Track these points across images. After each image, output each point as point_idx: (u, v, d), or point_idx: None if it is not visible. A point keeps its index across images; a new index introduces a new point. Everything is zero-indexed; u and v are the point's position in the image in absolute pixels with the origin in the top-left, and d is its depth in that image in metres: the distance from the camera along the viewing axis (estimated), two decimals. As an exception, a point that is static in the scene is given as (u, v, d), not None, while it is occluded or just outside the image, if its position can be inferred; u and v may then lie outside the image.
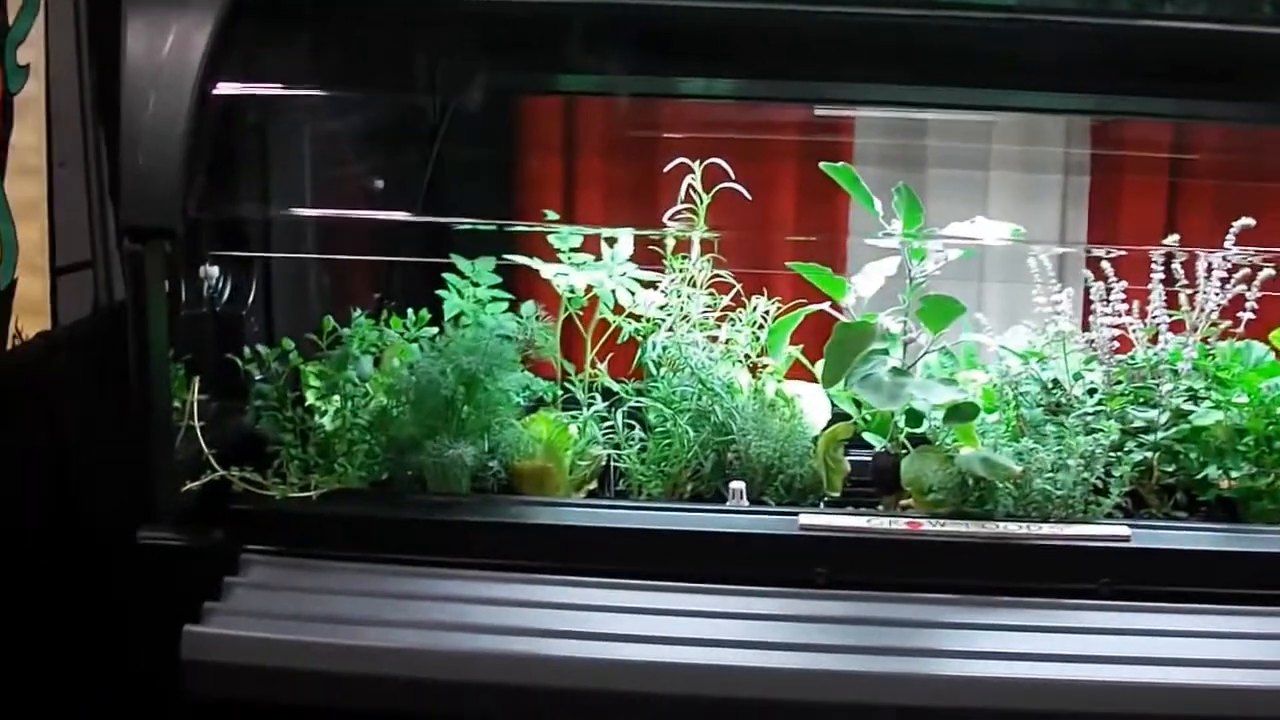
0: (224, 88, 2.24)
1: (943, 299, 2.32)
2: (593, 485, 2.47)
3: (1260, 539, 2.27)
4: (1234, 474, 2.36)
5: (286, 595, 2.17)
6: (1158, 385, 2.42)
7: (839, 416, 2.48)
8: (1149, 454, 2.40)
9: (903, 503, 2.38)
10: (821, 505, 2.38)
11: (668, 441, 2.41)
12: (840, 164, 2.37)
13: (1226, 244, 2.38)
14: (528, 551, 2.24)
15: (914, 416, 2.37)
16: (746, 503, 2.34)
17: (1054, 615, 2.14)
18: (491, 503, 2.33)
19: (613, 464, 2.49)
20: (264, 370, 2.39)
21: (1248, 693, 2.00)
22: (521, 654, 2.04)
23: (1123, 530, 2.24)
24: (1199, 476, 2.39)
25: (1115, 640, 2.09)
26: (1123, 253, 2.50)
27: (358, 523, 2.29)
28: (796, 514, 2.25)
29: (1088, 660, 2.04)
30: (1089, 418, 2.37)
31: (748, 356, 2.52)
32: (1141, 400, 2.44)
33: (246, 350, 2.41)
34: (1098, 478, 2.31)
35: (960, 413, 2.30)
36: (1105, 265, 2.45)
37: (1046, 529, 2.23)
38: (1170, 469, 2.42)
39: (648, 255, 2.55)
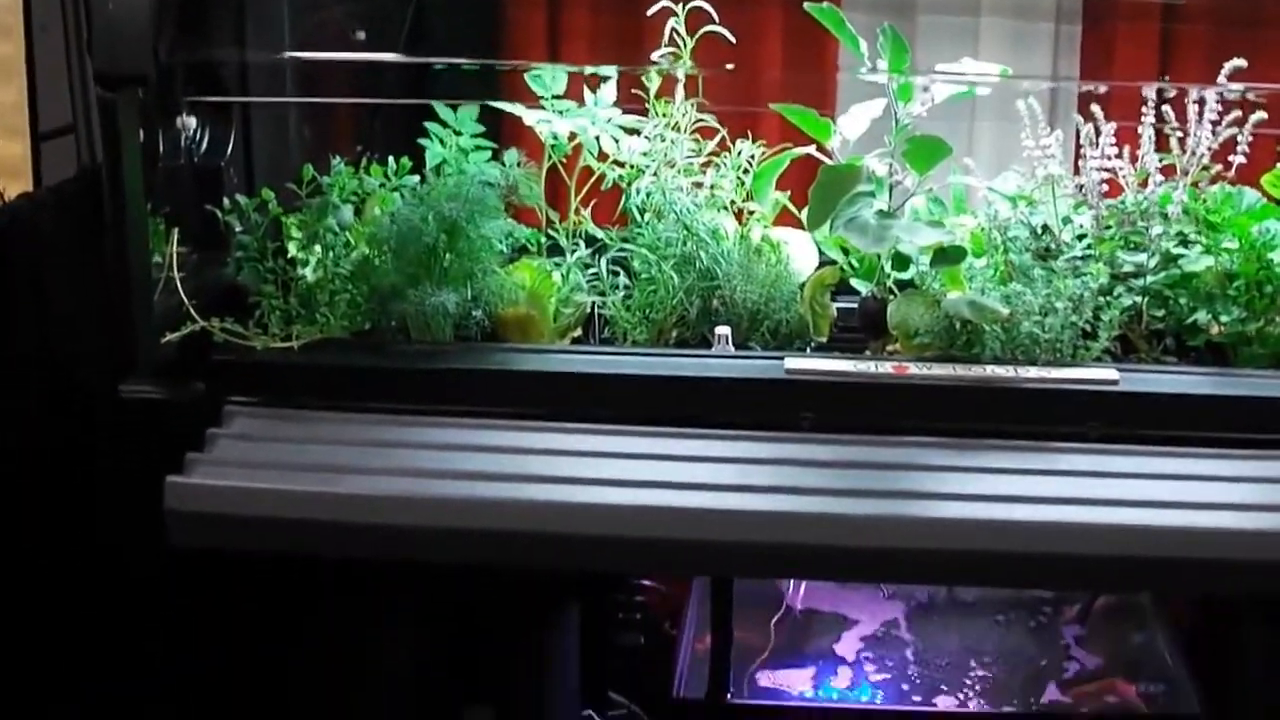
0: (196, -72, 2.19)
1: (929, 139, 2.27)
2: (577, 333, 2.45)
3: (1249, 383, 2.25)
4: (1224, 319, 2.33)
5: (269, 445, 2.15)
6: (1147, 229, 2.39)
7: (826, 264, 2.45)
8: (1138, 299, 2.37)
9: (889, 348, 2.35)
10: (808, 350, 2.36)
11: (653, 288, 2.39)
12: (825, 4, 2.32)
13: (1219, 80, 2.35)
14: (512, 398, 2.22)
15: (901, 261, 2.35)
16: (732, 349, 2.32)
17: (1041, 458, 2.12)
18: (475, 350, 2.31)
19: (597, 311, 2.46)
20: (244, 221, 2.36)
21: (1235, 535, 1.99)
22: (507, 499, 2.02)
23: (1111, 374, 2.22)
24: (1188, 322, 2.36)
25: (1103, 483, 2.07)
26: (1109, 91, 2.46)
27: (340, 372, 2.27)
28: (782, 358, 2.23)
29: (1075, 503, 2.02)
30: (1077, 261, 2.34)
31: (733, 202, 2.49)
32: (1131, 245, 2.41)
33: (226, 201, 2.37)
34: (1086, 322, 2.29)
35: (947, 256, 2.28)
36: (1095, 109, 2.41)
37: (1034, 372, 2.21)
38: (1159, 314, 2.39)
39: (632, 101, 2.51)
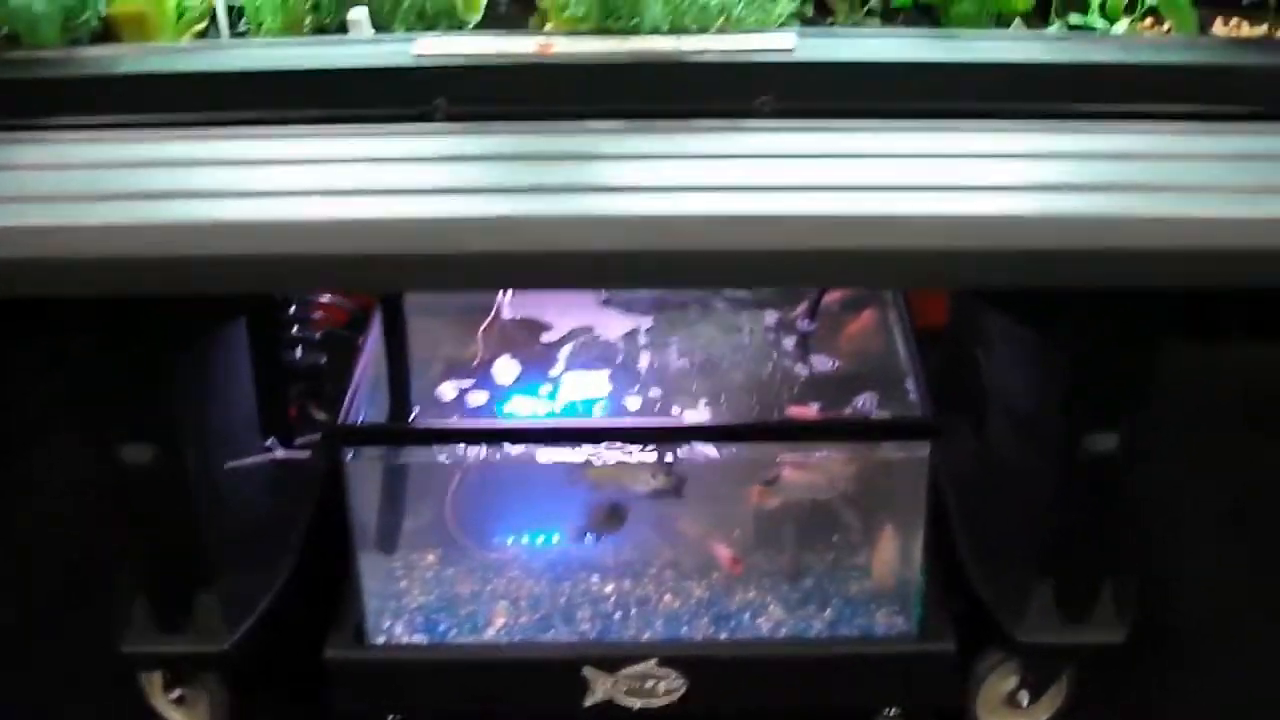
0: None
1: None
2: (202, 26, 2.21)
3: (933, 45, 2.07)
4: (931, -26, 2.15)
5: None
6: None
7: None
8: (830, -45, 2.18)
9: (548, 26, 2.13)
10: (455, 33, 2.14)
11: (282, -29, 2.16)
12: None
13: None
14: (129, 104, 1.99)
15: (557, -66, 2.11)
16: (371, 33, 2.10)
17: (702, 140, 1.90)
18: (82, 54, 2.08)
19: (225, 2, 2.21)
20: None
21: (929, 221, 1.73)
22: (119, 224, 1.75)
23: (787, 41, 2.02)
24: (893, -21, 2.18)
25: (775, 164, 1.84)
26: None
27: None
28: (411, 41, 2.02)
29: (742, 190, 1.78)
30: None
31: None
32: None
33: None
34: (769, -19, 2.09)
35: (603, -85, 2.05)
36: None
37: (694, 43, 1.99)
38: (858, -31, 2.21)
39: None
